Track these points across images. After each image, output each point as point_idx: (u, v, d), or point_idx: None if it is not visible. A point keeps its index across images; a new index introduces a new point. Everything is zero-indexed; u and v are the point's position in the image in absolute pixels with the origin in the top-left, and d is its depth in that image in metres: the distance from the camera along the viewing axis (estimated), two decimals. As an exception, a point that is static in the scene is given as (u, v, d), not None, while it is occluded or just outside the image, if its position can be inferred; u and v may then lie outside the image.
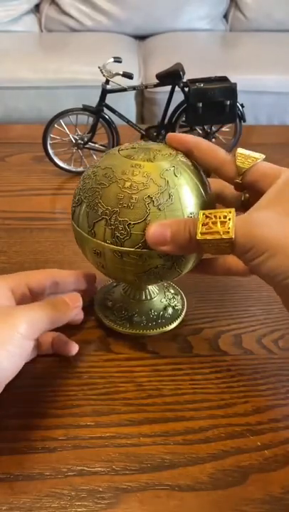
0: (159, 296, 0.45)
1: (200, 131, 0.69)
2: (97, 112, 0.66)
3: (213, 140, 0.69)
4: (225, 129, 0.70)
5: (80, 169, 0.68)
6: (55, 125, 0.65)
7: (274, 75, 1.42)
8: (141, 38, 1.76)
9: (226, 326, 0.44)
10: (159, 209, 0.34)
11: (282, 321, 0.44)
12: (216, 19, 1.81)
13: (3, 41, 1.64)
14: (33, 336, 0.34)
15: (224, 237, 0.31)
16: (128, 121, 0.68)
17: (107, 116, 0.66)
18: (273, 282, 0.33)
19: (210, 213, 0.33)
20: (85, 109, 0.66)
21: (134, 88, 0.67)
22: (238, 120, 0.67)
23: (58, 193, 0.66)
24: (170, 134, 0.38)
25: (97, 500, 0.31)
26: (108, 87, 0.65)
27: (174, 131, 0.67)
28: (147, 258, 0.35)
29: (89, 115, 0.66)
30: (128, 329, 0.42)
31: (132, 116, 1.43)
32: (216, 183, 0.38)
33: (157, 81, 0.65)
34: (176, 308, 0.45)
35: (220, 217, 0.32)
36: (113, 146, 0.67)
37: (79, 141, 0.68)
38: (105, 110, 0.66)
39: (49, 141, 0.66)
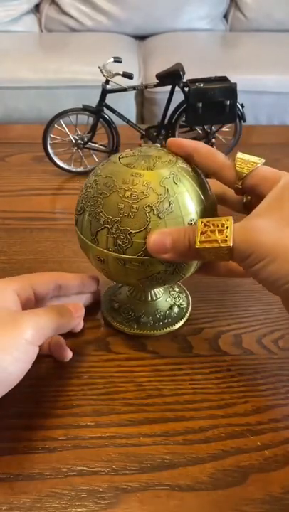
0: (165, 296, 0.45)
1: (200, 131, 0.69)
2: (97, 112, 0.66)
3: (213, 140, 0.69)
4: (225, 129, 0.70)
5: (80, 169, 0.68)
6: (55, 125, 0.65)
7: (274, 75, 1.42)
8: (141, 38, 1.76)
9: (225, 326, 0.44)
10: (160, 217, 0.34)
11: (282, 321, 0.44)
12: (216, 19, 1.81)
13: (3, 41, 1.64)
14: (38, 342, 0.34)
15: (222, 245, 0.32)
16: (128, 121, 0.68)
17: (107, 116, 0.66)
18: (273, 287, 0.33)
19: (208, 221, 0.33)
20: (85, 109, 0.66)
21: (134, 88, 0.67)
22: (238, 120, 0.67)
23: (58, 193, 0.66)
24: (170, 139, 0.38)
25: (97, 500, 0.31)
26: (108, 87, 0.65)
27: (174, 131, 0.67)
28: (149, 265, 0.35)
29: (89, 115, 0.66)
30: (136, 330, 0.43)
31: (132, 116, 1.43)
32: (217, 185, 0.38)
33: (157, 81, 0.65)
34: (182, 306, 0.45)
35: (218, 226, 0.32)
36: (113, 146, 0.67)
37: (79, 141, 0.68)
38: (105, 110, 0.66)
39: (49, 141, 0.66)
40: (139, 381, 0.39)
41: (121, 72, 0.63)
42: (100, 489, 0.32)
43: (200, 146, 0.37)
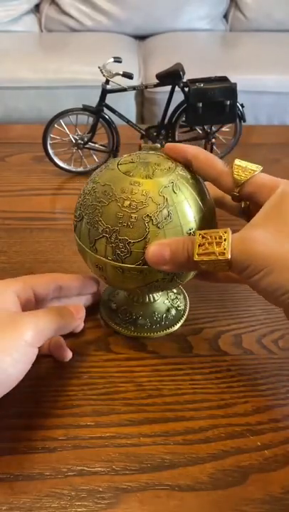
0: (162, 298, 0.45)
1: (200, 131, 0.69)
2: (97, 111, 0.66)
3: (213, 140, 0.69)
4: (225, 129, 0.70)
5: (80, 169, 0.68)
6: (55, 125, 0.65)
7: (274, 75, 1.42)
8: (141, 38, 1.76)
9: (225, 326, 0.44)
10: (158, 227, 0.34)
11: (282, 321, 0.44)
12: (216, 19, 1.81)
13: (3, 41, 1.63)
14: (37, 344, 0.34)
15: (220, 258, 0.32)
16: (128, 121, 0.68)
17: (107, 116, 0.66)
18: (272, 298, 0.33)
19: (206, 234, 0.33)
20: (85, 109, 0.66)
21: (134, 88, 0.67)
22: (238, 120, 0.67)
23: (58, 193, 0.66)
24: (168, 144, 0.38)
25: (97, 500, 0.31)
26: (108, 87, 0.65)
27: (174, 131, 0.67)
28: (148, 273, 0.35)
29: (89, 115, 0.66)
30: (133, 332, 0.43)
31: (132, 116, 1.43)
32: (216, 190, 0.38)
33: (157, 81, 0.65)
34: (179, 309, 0.45)
35: (215, 238, 0.32)
36: (113, 146, 0.67)
37: (79, 141, 0.68)
38: (105, 110, 0.66)
39: (49, 141, 0.66)
40: (139, 381, 0.39)
41: (121, 72, 0.63)
42: (100, 489, 0.32)
43: (198, 152, 0.37)
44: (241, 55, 1.57)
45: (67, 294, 0.42)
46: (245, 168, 0.35)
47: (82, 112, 0.66)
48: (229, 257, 0.32)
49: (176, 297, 0.46)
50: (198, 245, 0.33)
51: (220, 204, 0.40)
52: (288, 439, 0.35)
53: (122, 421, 0.36)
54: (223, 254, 0.32)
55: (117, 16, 1.72)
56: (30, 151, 0.73)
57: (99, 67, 0.64)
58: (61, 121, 0.65)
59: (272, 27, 1.75)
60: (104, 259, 0.36)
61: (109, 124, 0.66)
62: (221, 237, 0.32)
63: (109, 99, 0.65)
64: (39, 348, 0.39)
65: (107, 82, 0.65)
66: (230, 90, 0.64)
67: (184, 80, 0.65)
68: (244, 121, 0.68)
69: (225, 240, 0.32)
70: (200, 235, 0.33)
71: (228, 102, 0.64)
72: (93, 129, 0.67)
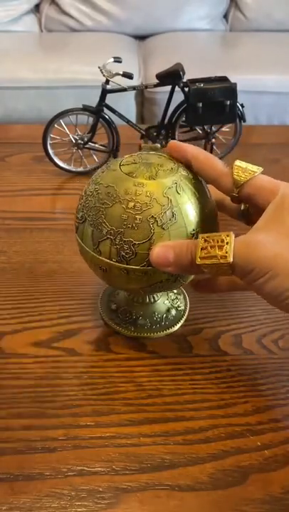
0: (162, 299, 0.45)
1: (200, 131, 0.69)
2: (97, 111, 0.66)
3: (213, 140, 0.69)
4: (225, 129, 0.70)
5: (80, 169, 0.68)
6: (55, 125, 0.65)
7: (274, 75, 1.42)
8: (141, 38, 1.75)
9: (225, 326, 0.44)
10: (163, 228, 0.34)
11: (282, 321, 0.44)
12: (216, 19, 1.81)
13: (3, 41, 1.63)
14: None
15: (222, 261, 0.32)
16: (128, 121, 0.68)
17: (107, 116, 0.66)
18: (276, 302, 0.33)
19: (208, 237, 0.33)
20: (85, 109, 0.66)
21: (134, 88, 0.67)
22: (238, 120, 0.67)
23: (58, 193, 0.66)
24: (171, 142, 0.38)
25: (97, 500, 0.31)
26: (108, 87, 0.65)
27: (174, 131, 0.67)
28: (152, 274, 0.35)
29: (89, 115, 0.66)
30: (133, 332, 0.43)
31: (132, 116, 1.43)
32: (216, 191, 0.38)
33: (157, 81, 0.65)
34: (179, 309, 0.45)
35: (218, 241, 0.32)
36: (113, 146, 0.67)
37: (79, 141, 0.68)
38: (105, 110, 0.66)
39: (49, 141, 0.66)
40: (139, 381, 0.39)
41: (121, 72, 0.63)
42: (100, 489, 0.32)
43: (198, 152, 0.37)
44: (241, 55, 1.57)
45: None
46: (246, 169, 0.35)
47: (82, 112, 0.66)
48: (231, 260, 0.32)
49: (177, 297, 0.46)
50: (201, 249, 0.33)
51: (220, 206, 0.39)
52: (288, 439, 0.35)
53: (122, 421, 0.36)
54: (225, 257, 0.32)
55: (117, 16, 1.72)
56: (30, 151, 0.73)
57: (99, 67, 0.64)
58: (61, 121, 0.65)
59: (272, 27, 1.74)
60: (108, 260, 0.35)
61: (109, 124, 0.66)
62: (223, 241, 0.32)
63: (109, 99, 0.65)
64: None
65: (107, 82, 0.65)
66: (230, 90, 0.64)
67: (184, 80, 0.65)
68: (244, 121, 0.68)
69: (227, 243, 0.32)
70: (202, 238, 0.33)
71: (228, 102, 0.64)
72: (93, 129, 0.67)
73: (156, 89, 0.74)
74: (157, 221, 0.34)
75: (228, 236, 0.32)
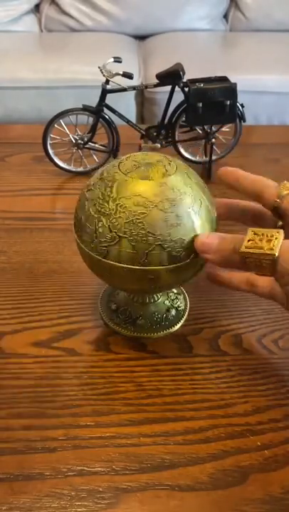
0: (162, 298, 0.45)
1: (200, 131, 0.69)
2: (97, 111, 0.66)
3: (214, 140, 0.69)
4: (225, 129, 0.70)
5: (80, 169, 0.68)
6: (55, 125, 0.65)
7: (274, 75, 1.42)
8: (141, 38, 1.75)
9: (226, 326, 0.44)
10: (199, 215, 0.36)
11: (282, 321, 0.44)
12: (216, 19, 1.81)
13: (3, 41, 1.63)
14: None
15: (267, 252, 0.32)
16: (128, 121, 0.68)
17: (107, 116, 0.66)
18: None
19: (258, 231, 0.34)
20: (85, 109, 0.66)
21: (134, 88, 0.67)
22: (238, 120, 0.67)
23: (58, 193, 0.66)
24: (223, 169, 0.41)
25: (97, 500, 0.31)
26: (108, 87, 0.65)
27: (174, 131, 0.67)
28: (203, 264, 0.37)
29: (89, 115, 0.66)
30: (133, 332, 0.43)
31: (132, 116, 1.43)
32: (255, 207, 0.40)
33: (157, 81, 0.65)
34: (179, 309, 0.45)
35: (267, 236, 0.33)
36: (113, 146, 0.67)
37: (79, 141, 0.68)
38: (105, 110, 0.66)
39: (49, 141, 0.66)
40: (139, 381, 0.39)
41: (121, 72, 0.63)
42: (100, 489, 0.32)
43: (248, 174, 0.40)
44: (241, 55, 1.57)
45: None
46: None
47: (82, 112, 0.66)
48: (276, 254, 0.32)
49: (176, 297, 0.46)
50: (248, 240, 0.33)
51: (258, 220, 0.41)
52: (288, 439, 0.35)
53: (122, 421, 0.36)
54: (272, 250, 0.32)
55: (117, 16, 1.72)
56: (30, 151, 0.73)
57: (99, 67, 0.64)
58: (61, 121, 0.65)
59: (272, 27, 1.74)
60: (159, 267, 0.35)
61: (109, 124, 0.66)
62: (272, 236, 0.33)
63: (109, 99, 0.65)
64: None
65: (107, 82, 0.65)
66: (230, 90, 0.64)
67: (184, 80, 0.65)
68: (244, 121, 0.67)
69: (276, 238, 0.33)
70: (252, 231, 0.34)
71: (228, 102, 0.64)
72: (93, 129, 0.67)
73: (156, 89, 0.73)
74: (193, 210, 0.35)
75: (278, 232, 0.33)
